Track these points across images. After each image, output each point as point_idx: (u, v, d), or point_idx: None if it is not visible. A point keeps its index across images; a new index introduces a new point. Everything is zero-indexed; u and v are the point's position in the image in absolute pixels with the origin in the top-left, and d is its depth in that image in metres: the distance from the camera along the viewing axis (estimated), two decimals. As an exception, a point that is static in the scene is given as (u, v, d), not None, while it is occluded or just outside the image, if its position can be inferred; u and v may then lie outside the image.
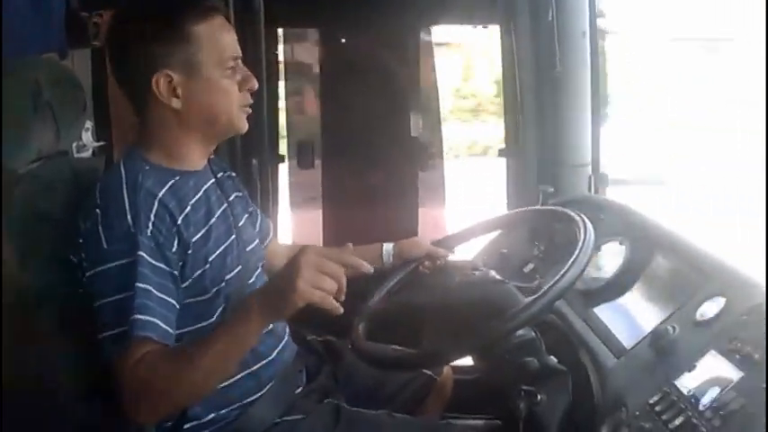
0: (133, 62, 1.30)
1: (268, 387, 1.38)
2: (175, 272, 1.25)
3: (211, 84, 1.30)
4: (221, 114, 1.32)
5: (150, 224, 1.22)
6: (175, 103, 1.29)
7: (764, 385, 0.93)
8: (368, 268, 1.22)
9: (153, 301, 1.18)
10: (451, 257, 1.71)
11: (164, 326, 1.18)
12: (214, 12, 1.31)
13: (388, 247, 1.64)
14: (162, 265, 1.22)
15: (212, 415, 1.32)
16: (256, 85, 1.35)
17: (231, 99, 1.32)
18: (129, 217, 1.21)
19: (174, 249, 1.24)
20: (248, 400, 1.35)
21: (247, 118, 1.37)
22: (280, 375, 1.41)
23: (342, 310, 1.12)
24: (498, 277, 1.42)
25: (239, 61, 1.33)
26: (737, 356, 1.03)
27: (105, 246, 1.20)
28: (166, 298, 1.21)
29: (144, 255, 1.19)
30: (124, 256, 1.19)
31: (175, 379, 1.16)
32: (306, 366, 1.52)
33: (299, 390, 1.47)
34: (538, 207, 1.70)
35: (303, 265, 1.10)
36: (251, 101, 1.35)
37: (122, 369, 1.16)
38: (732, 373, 1.01)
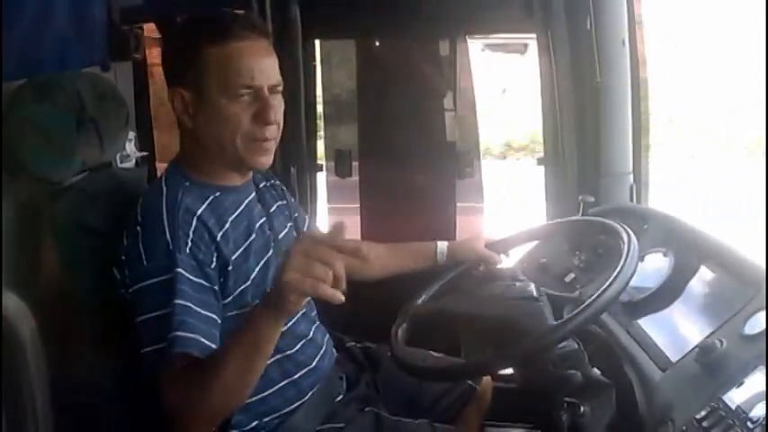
0: (164, 75, 1.34)
1: (309, 395, 1.39)
2: (216, 287, 1.26)
3: (216, 109, 1.27)
4: (227, 144, 1.29)
5: (189, 241, 1.23)
6: (188, 122, 1.30)
7: None
8: (364, 253, 1.16)
9: (193, 317, 1.19)
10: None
11: (205, 341, 1.19)
12: (234, 37, 1.26)
13: (442, 245, 1.66)
14: (202, 281, 1.23)
15: (255, 423, 1.34)
16: (273, 119, 1.28)
17: (236, 130, 1.27)
18: (167, 235, 1.22)
19: (213, 266, 1.26)
20: (289, 408, 1.37)
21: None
22: (320, 384, 1.42)
23: (342, 299, 1.03)
24: (535, 294, 1.40)
25: (264, 91, 1.28)
26: (787, 372, 1.00)
27: (145, 263, 1.22)
28: (207, 313, 1.22)
29: (183, 272, 1.20)
30: (163, 272, 1.20)
31: (207, 388, 1.15)
32: (346, 374, 1.53)
33: (340, 398, 1.48)
34: (589, 218, 1.68)
35: (292, 254, 1.03)
36: (266, 136, 1.29)
37: (165, 383, 1.18)
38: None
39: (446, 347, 1.54)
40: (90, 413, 1.29)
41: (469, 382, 1.64)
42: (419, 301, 1.53)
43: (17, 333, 1.06)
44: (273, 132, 1.31)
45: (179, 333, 1.17)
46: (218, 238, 1.27)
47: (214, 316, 1.23)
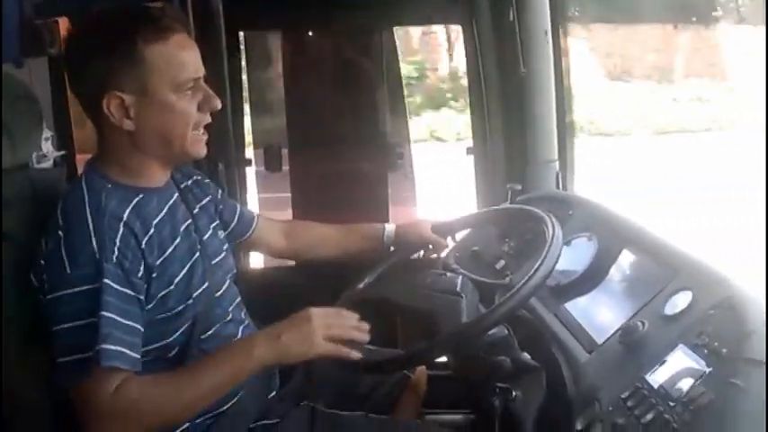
0: (85, 80, 1.25)
1: (241, 393, 1.37)
2: (141, 296, 1.22)
3: (166, 107, 1.24)
4: (176, 138, 1.27)
5: (116, 249, 1.19)
6: (127, 125, 1.24)
7: (732, 380, 0.95)
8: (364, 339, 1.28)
9: (119, 330, 1.16)
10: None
11: (131, 354, 1.17)
12: (170, 31, 1.24)
13: (389, 228, 1.68)
14: (128, 291, 1.20)
15: (186, 425, 1.31)
16: (219, 105, 1.29)
17: (187, 122, 1.26)
18: (93, 242, 1.18)
19: (139, 274, 1.22)
20: (221, 408, 1.34)
21: (210, 125, 1.32)
22: (252, 380, 1.40)
23: (359, 355, 1.24)
24: (458, 288, 1.43)
25: (201, 80, 1.27)
26: (705, 351, 1.05)
27: (68, 270, 1.17)
28: (132, 324, 1.19)
29: (109, 282, 1.17)
30: (88, 281, 1.16)
31: (162, 406, 1.19)
32: (279, 369, 1.51)
33: (273, 394, 1.46)
34: (519, 205, 1.71)
35: (315, 319, 1.22)
36: (209, 120, 1.30)
37: (90, 396, 1.15)
38: (700, 367, 1.03)
39: (382, 337, 1.55)
40: (16, 423, 1.24)
41: (404, 371, 1.66)
42: (360, 286, 1.55)
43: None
44: (209, 119, 1.31)
45: (105, 346, 1.13)
46: (143, 245, 1.24)
47: (137, 325, 1.20)
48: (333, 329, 1.23)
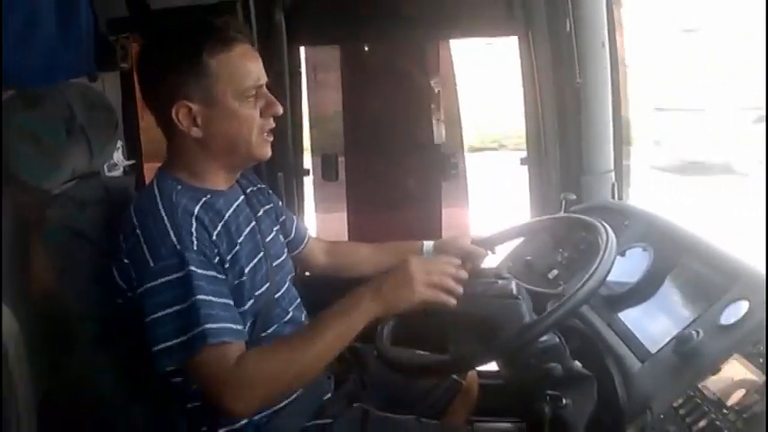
0: (156, 91, 1.33)
1: (297, 394, 1.41)
2: (225, 277, 1.29)
3: (231, 114, 1.31)
4: (242, 143, 1.34)
5: (194, 239, 1.25)
6: (195, 133, 1.32)
7: None
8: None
9: (215, 309, 1.22)
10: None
11: (236, 326, 1.24)
12: (234, 42, 1.31)
13: (428, 244, 1.69)
14: (215, 273, 1.26)
15: (244, 421, 1.35)
16: (280, 111, 1.36)
17: (252, 127, 1.33)
18: (172, 235, 1.24)
19: (217, 260, 1.29)
20: (278, 406, 1.39)
21: (272, 135, 1.39)
22: (308, 383, 1.44)
23: (454, 302, 1.30)
24: (515, 292, 1.44)
25: (264, 88, 1.34)
26: (761, 360, 1.04)
27: (152, 264, 1.23)
28: (226, 301, 1.26)
29: (195, 269, 1.23)
30: (174, 271, 1.22)
31: (285, 370, 1.24)
32: (334, 373, 1.55)
33: (328, 396, 1.50)
34: (569, 214, 1.71)
35: (413, 269, 1.28)
36: (273, 125, 1.37)
37: (214, 372, 1.21)
38: (755, 375, 1.02)
39: (432, 346, 1.57)
40: (94, 416, 1.31)
41: (455, 377, 1.67)
42: None
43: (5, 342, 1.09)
44: (273, 124, 1.38)
45: (209, 326, 1.20)
46: (215, 238, 1.30)
47: (231, 302, 1.27)
48: (432, 276, 1.29)
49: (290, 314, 1.47)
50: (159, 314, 1.22)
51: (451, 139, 2.45)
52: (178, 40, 1.32)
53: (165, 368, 1.22)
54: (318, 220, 2.59)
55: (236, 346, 1.23)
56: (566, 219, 1.71)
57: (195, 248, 1.25)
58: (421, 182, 2.42)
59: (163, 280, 1.22)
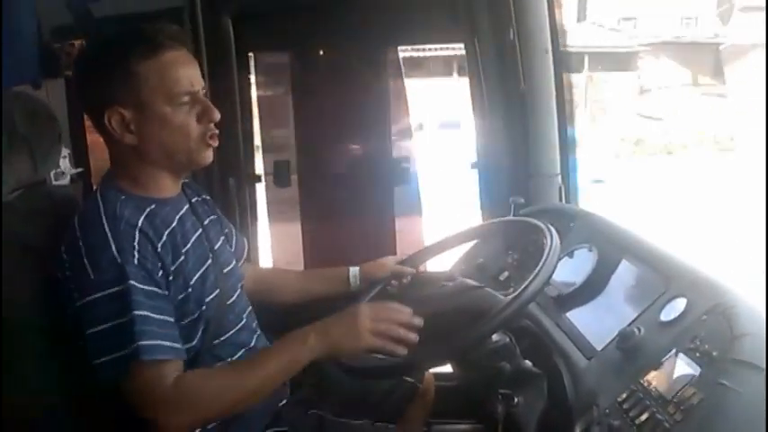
0: (88, 97, 1.32)
1: None
2: (167, 293, 1.28)
3: (163, 120, 1.30)
4: (179, 150, 1.33)
5: (135, 252, 1.24)
6: (130, 139, 1.31)
7: (722, 381, 0.99)
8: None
9: (152, 325, 1.22)
10: (428, 270, 1.76)
11: (171, 344, 1.23)
12: (163, 47, 1.30)
13: (354, 270, 1.69)
14: (155, 288, 1.25)
15: (198, 430, 1.34)
16: (217, 117, 1.35)
17: (188, 134, 1.32)
18: (113, 248, 1.23)
19: (160, 274, 1.28)
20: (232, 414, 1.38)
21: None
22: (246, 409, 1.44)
23: (405, 352, 1.28)
24: (474, 283, 1.47)
25: (199, 93, 1.33)
26: (698, 354, 1.08)
27: (92, 276, 1.22)
28: (165, 318, 1.25)
29: (135, 283, 1.22)
30: (113, 285, 1.22)
31: (222, 395, 1.25)
32: (289, 379, 1.55)
33: (284, 402, 1.50)
34: (502, 219, 1.75)
35: (362, 315, 1.28)
36: (215, 131, 1.36)
37: (151, 389, 1.21)
38: (692, 369, 1.06)
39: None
40: (42, 428, 1.29)
41: (412, 381, 1.69)
42: None
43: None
44: (215, 129, 1.37)
45: (143, 342, 1.19)
46: (159, 249, 1.29)
47: (171, 319, 1.26)
48: (380, 324, 1.29)
49: (244, 320, 1.47)
50: (97, 328, 1.21)
51: (401, 145, 2.47)
52: (107, 46, 1.32)
53: (105, 382, 1.22)
54: (272, 226, 2.58)
55: (172, 364, 1.23)
56: (499, 224, 1.76)
57: (136, 262, 1.24)
58: (374, 187, 2.44)
59: (102, 294, 1.22)
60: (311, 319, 1.30)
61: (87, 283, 1.22)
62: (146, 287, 1.24)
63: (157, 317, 1.23)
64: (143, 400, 1.22)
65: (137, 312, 1.20)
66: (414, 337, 1.30)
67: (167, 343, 1.23)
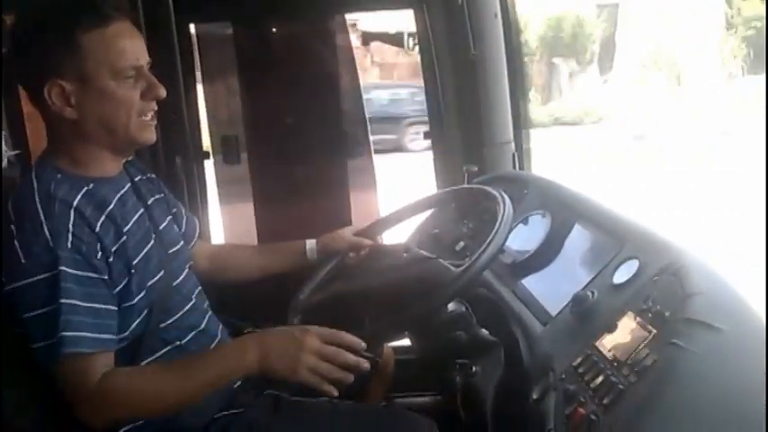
0: (28, 70, 1.26)
1: None
2: (105, 276, 1.23)
3: (106, 94, 1.25)
4: (119, 126, 1.28)
5: (70, 235, 1.19)
6: (69, 113, 1.25)
7: (674, 341, 0.99)
8: (361, 347, 1.26)
9: (79, 314, 1.17)
10: (384, 242, 1.74)
11: (98, 335, 1.19)
12: (109, 19, 1.25)
13: (311, 243, 1.66)
14: (89, 274, 1.20)
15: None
16: (163, 94, 1.30)
17: (129, 109, 1.27)
18: (46, 230, 1.18)
19: (98, 256, 1.23)
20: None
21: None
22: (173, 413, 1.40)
23: (336, 393, 1.24)
24: (427, 254, 1.45)
25: (144, 68, 1.28)
26: (650, 315, 1.08)
27: (23, 260, 1.18)
28: (98, 306, 1.20)
29: (66, 269, 1.17)
30: (44, 270, 1.17)
31: (148, 397, 1.22)
32: None
33: (238, 384, 1.46)
34: (455, 188, 1.74)
35: (306, 347, 1.21)
36: (155, 107, 1.31)
37: (76, 381, 1.18)
38: (646, 331, 1.06)
39: (349, 323, 1.56)
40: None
41: (372, 355, 1.67)
42: (302, 296, 1.55)
43: None
44: (155, 107, 1.32)
45: (65, 333, 1.16)
46: (97, 230, 1.24)
47: (106, 306, 1.22)
48: (321, 364, 1.21)
49: (193, 301, 1.43)
50: (30, 314, 1.18)
51: (353, 116, 2.43)
52: (50, 16, 1.25)
53: (43, 366, 1.19)
54: (222, 205, 2.52)
55: (99, 357, 1.19)
56: (453, 192, 1.74)
57: (70, 246, 1.19)
58: (326, 161, 2.40)
59: (33, 279, 1.17)
60: (265, 298, 1.27)
61: (18, 267, 1.18)
62: (78, 272, 1.19)
63: (88, 305, 1.19)
64: (69, 393, 1.19)
65: (63, 301, 1.16)
66: (350, 378, 1.24)
67: (94, 335, 1.18)
